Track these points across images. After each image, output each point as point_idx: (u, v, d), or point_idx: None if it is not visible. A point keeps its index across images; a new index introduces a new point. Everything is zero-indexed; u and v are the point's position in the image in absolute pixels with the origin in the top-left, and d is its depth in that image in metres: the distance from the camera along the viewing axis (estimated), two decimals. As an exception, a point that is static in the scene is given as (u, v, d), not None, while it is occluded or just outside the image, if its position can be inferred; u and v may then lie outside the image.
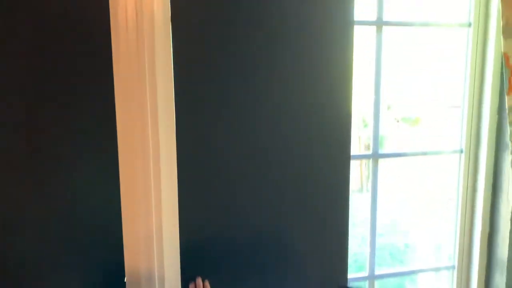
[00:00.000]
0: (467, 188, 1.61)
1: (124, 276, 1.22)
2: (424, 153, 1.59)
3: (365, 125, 4.85)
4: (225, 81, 1.29)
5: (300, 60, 1.35)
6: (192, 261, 1.32)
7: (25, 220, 1.22)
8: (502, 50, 1.35)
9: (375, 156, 1.54)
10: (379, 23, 1.47)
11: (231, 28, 1.28)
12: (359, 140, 5.03)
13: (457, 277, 1.67)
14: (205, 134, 1.29)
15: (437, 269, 1.73)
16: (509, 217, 1.50)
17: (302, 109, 1.37)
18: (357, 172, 4.86)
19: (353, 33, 1.39)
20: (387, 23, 1.47)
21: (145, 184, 1.19)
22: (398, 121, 5.49)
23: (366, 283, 1.61)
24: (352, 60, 1.40)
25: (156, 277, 1.22)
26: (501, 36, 1.35)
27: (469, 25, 1.52)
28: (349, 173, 1.44)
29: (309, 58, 1.36)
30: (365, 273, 1.61)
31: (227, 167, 1.32)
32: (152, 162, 1.18)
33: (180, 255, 1.26)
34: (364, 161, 5.32)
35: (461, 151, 1.59)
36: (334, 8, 1.36)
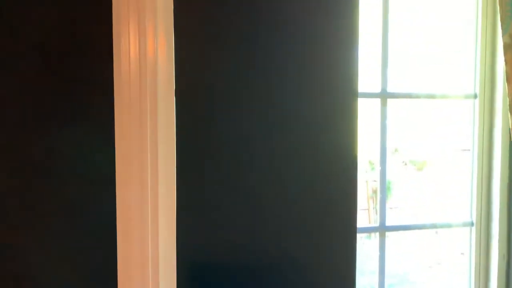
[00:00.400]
0: (479, 259, 1.54)
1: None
2: (433, 226, 1.54)
3: (372, 168, 4.80)
4: (229, 149, 1.28)
5: (305, 131, 1.34)
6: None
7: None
8: (510, 127, 1.33)
9: (382, 229, 1.49)
10: (384, 95, 1.46)
11: (237, 96, 1.28)
12: (367, 184, 4.97)
13: None
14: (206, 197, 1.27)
15: None
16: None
17: (306, 181, 1.34)
18: (365, 216, 4.77)
19: (357, 105, 1.38)
20: (392, 95, 1.46)
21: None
22: (405, 164, 5.45)
23: None
24: (356, 132, 1.38)
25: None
26: (508, 112, 1.33)
27: (475, 96, 1.50)
28: (355, 247, 1.39)
29: (314, 129, 1.35)
30: None
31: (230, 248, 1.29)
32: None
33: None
34: (371, 202, 5.23)
35: (472, 224, 1.54)
36: (339, 80, 1.36)
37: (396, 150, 5.31)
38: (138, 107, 1.14)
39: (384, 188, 1.47)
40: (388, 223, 1.48)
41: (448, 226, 1.56)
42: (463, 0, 1.53)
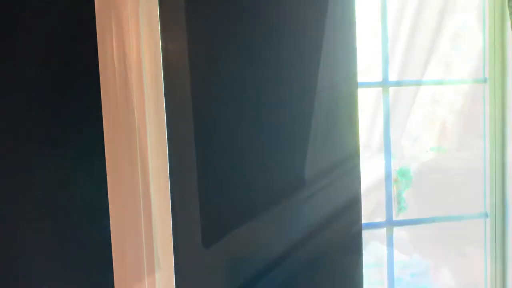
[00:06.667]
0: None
1: None
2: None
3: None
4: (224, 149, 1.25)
5: (305, 124, 1.31)
6: None
7: None
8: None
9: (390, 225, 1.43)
10: (385, 84, 1.40)
11: (235, 95, 1.25)
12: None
13: None
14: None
15: None
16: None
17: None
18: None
19: (357, 95, 1.33)
20: (394, 84, 1.40)
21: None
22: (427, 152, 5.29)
23: None
24: (357, 123, 1.33)
25: None
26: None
27: (485, 80, 1.42)
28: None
29: (315, 121, 1.31)
30: None
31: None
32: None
33: None
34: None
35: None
36: (339, 68, 1.32)
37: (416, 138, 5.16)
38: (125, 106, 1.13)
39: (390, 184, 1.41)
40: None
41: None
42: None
